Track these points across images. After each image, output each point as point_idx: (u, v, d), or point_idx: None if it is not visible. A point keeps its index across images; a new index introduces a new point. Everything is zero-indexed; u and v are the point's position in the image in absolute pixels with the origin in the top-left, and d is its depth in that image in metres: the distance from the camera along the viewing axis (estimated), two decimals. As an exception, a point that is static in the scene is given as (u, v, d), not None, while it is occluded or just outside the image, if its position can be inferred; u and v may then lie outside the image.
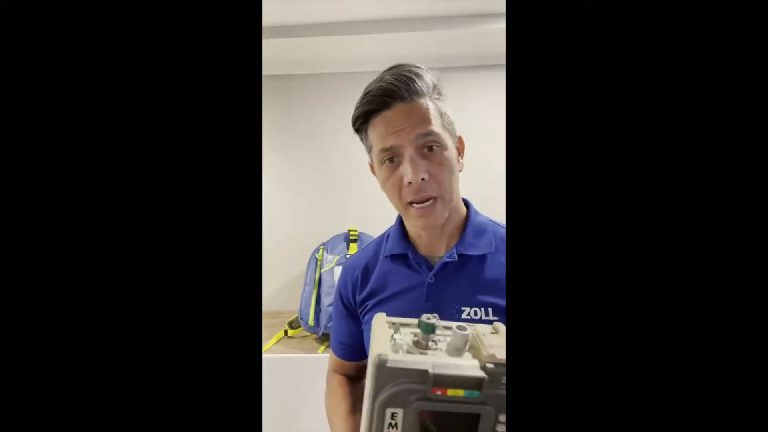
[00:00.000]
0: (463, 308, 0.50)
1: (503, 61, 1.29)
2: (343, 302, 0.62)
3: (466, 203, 0.59)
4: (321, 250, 1.30)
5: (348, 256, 1.26)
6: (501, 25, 1.14)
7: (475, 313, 0.49)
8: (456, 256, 0.52)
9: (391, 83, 0.49)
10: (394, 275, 0.57)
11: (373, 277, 0.59)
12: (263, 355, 1.11)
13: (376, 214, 1.42)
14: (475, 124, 1.35)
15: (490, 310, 0.49)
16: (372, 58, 1.30)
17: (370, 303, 0.58)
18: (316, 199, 1.45)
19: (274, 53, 1.25)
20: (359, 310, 0.60)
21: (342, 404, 0.59)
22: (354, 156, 1.44)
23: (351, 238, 1.31)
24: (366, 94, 0.51)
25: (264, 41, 1.17)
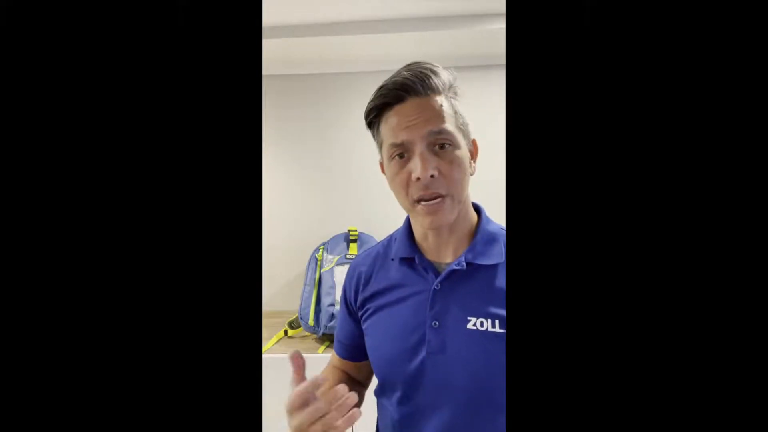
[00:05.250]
0: (469, 318, 0.49)
1: (503, 61, 1.29)
2: (346, 301, 0.62)
3: (478, 209, 0.57)
4: (321, 250, 1.30)
5: (348, 256, 1.26)
6: (501, 25, 1.14)
7: (482, 324, 0.48)
8: (465, 263, 0.51)
9: (406, 78, 0.48)
10: (399, 279, 0.55)
11: (378, 279, 0.58)
12: (263, 355, 1.11)
13: (376, 214, 1.43)
14: (474, 124, 1.35)
15: (497, 321, 0.48)
16: (372, 58, 1.30)
17: (372, 306, 0.57)
18: (316, 199, 1.45)
19: (274, 53, 1.25)
20: (360, 312, 0.59)
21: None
22: (354, 156, 1.44)
23: (351, 238, 1.31)
24: (381, 88, 0.51)
25: (264, 41, 1.17)
